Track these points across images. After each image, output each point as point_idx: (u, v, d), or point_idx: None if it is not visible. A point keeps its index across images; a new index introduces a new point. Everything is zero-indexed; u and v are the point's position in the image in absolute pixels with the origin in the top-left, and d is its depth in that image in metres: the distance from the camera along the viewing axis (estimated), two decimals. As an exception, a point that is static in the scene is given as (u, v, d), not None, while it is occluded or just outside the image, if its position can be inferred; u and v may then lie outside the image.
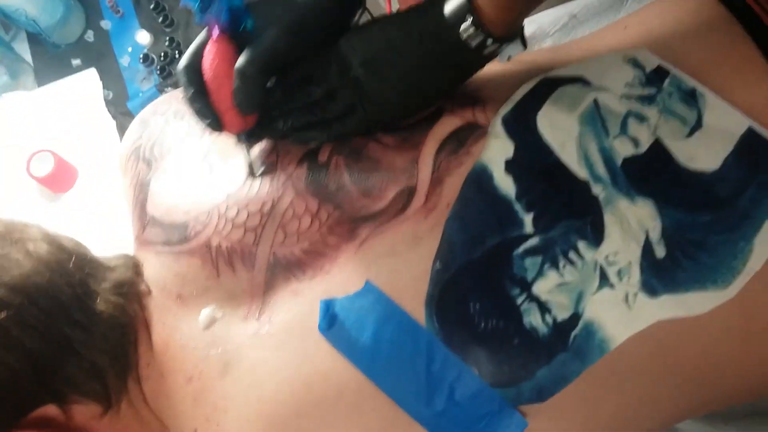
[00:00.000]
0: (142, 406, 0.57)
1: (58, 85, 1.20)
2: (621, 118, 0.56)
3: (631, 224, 0.52)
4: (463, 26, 0.51)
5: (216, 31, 0.55)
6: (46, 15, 1.16)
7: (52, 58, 1.24)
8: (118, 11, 1.24)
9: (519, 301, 0.51)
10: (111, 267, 0.58)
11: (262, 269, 0.56)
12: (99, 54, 1.23)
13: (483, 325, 0.51)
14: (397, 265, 0.53)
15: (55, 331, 0.51)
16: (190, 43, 1.21)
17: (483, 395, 0.50)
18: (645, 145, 0.55)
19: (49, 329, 0.51)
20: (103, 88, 1.20)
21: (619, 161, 0.54)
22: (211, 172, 0.59)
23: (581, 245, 0.52)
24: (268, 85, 0.56)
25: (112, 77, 1.22)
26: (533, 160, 0.55)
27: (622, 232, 0.52)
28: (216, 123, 0.56)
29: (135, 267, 0.59)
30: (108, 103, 1.18)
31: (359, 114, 0.56)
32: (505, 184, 0.54)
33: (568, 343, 0.50)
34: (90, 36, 1.24)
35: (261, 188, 0.57)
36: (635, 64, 0.58)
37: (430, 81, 0.55)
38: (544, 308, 0.51)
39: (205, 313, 0.55)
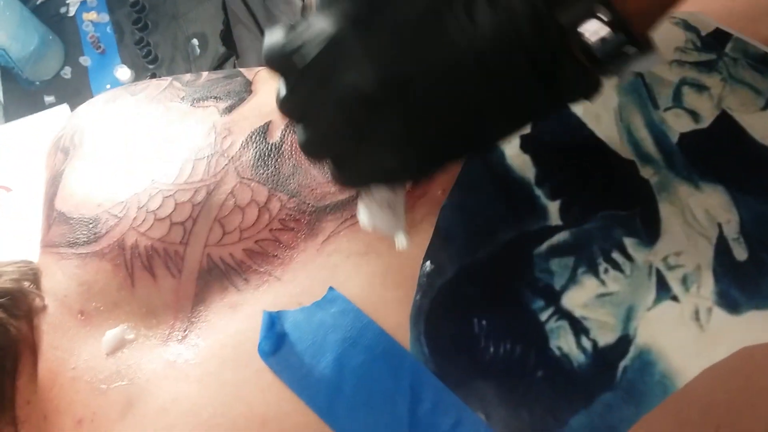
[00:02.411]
0: (16, 460, 0.41)
1: (26, 122, 1.09)
2: (673, 88, 0.43)
3: (697, 216, 0.38)
4: (589, 23, 0.30)
5: None
6: (18, 45, 1.07)
7: (24, 95, 1.14)
8: (99, 47, 1.15)
9: (543, 317, 0.36)
10: (-4, 273, 0.44)
11: (191, 276, 0.41)
12: (75, 91, 1.14)
13: (492, 350, 0.36)
14: (372, 267, 0.38)
15: None
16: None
17: (492, 455, 0.34)
18: (708, 118, 0.41)
19: None
20: (76, 126, 1.09)
21: (674, 138, 0.41)
22: (134, 157, 0.46)
23: (629, 243, 0.38)
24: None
25: (86, 115, 1.11)
26: (558, 134, 0.41)
27: (684, 226, 0.38)
28: None
29: (31, 275, 0.45)
30: (80, 141, 1.07)
31: None
32: (521, 165, 0.40)
33: (616, 377, 0.35)
34: (67, 72, 1.15)
35: (193, 173, 0.43)
36: (686, 26, 0.45)
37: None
38: (579, 328, 0.36)
39: (111, 333, 0.40)
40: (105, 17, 1.18)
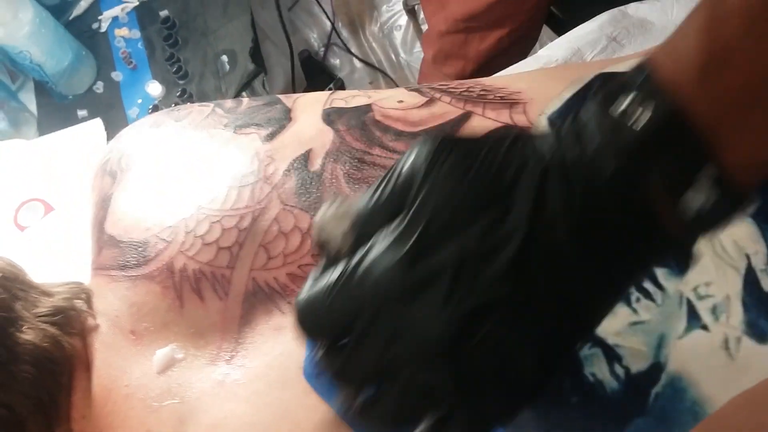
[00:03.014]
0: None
1: (61, 135, 1.12)
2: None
3: (726, 247, 0.39)
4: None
5: None
6: (53, 61, 1.10)
7: (57, 109, 1.17)
8: (131, 63, 1.18)
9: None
10: (50, 293, 0.46)
11: (237, 299, 0.43)
12: (107, 105, 1.17)
13: (528, 376, 0.37)
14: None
15: None
16: (204, 95, 1.14)
17: (528, 476, 0.36)
18: (736, 150, 0.42)
19: None
20: (109, 139, 1.12)
21: (703, 169, 0.42)
22: (180, 183, 0.48)
23: (660, 272, 0.39)
24: None
25: (118, 129, 1.14)
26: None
27: (714, 256, 0.39)
28: None
29: (84, 296, 0.47)
30: (114, 155, 1.10)
31: None
32: (556, 194, 0.42)
33: (648, 404, 0.37)
34: (99, 87, 1.18)
35: (239, 199, 0.45)
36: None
37: None
38: (612, 355, 0.37)
39: (162, 353, 0.42)
40: (136, 33, 1.21)
